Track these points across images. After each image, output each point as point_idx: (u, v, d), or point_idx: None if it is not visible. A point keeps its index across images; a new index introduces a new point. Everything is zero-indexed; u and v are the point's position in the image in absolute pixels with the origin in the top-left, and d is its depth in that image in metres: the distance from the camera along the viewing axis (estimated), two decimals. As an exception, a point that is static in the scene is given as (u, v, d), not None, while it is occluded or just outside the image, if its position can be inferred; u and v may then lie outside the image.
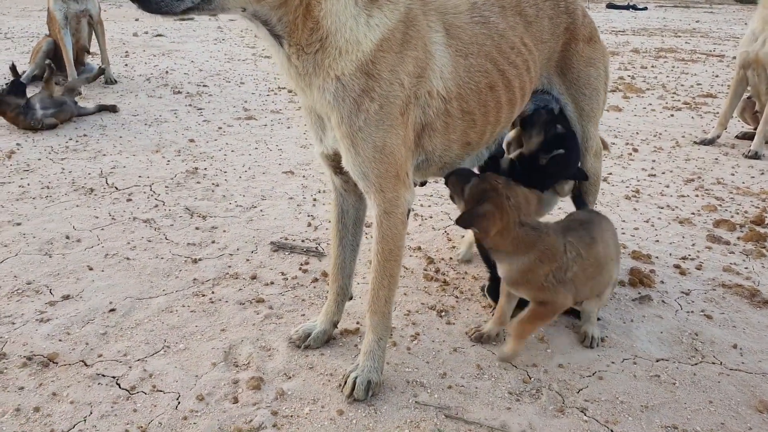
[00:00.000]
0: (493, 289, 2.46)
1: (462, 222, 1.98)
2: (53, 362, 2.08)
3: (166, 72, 7.43)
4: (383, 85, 1.74)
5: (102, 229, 3.13)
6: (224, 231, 3.18)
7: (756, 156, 4.82)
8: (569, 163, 2.37)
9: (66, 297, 2.48)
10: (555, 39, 2.28)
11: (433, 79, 1.86)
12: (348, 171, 1.87)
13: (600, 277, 2.18)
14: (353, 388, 1.94)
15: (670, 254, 3.12)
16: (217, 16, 1.73)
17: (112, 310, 2.41)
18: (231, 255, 2.92)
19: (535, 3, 2.22)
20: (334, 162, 1.97)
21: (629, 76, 8.38)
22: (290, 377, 2.06)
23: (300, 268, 2.81)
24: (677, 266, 2.97)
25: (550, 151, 2.31)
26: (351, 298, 2.36)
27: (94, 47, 6.90)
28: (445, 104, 1.91)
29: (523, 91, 2.16)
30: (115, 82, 6.63)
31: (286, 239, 3.10)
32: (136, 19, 11.85)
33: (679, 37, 13.57)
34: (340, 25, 1.67)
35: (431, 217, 3.50)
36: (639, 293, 2.70)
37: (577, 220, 2.25)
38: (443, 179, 2.18)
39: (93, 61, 6.91)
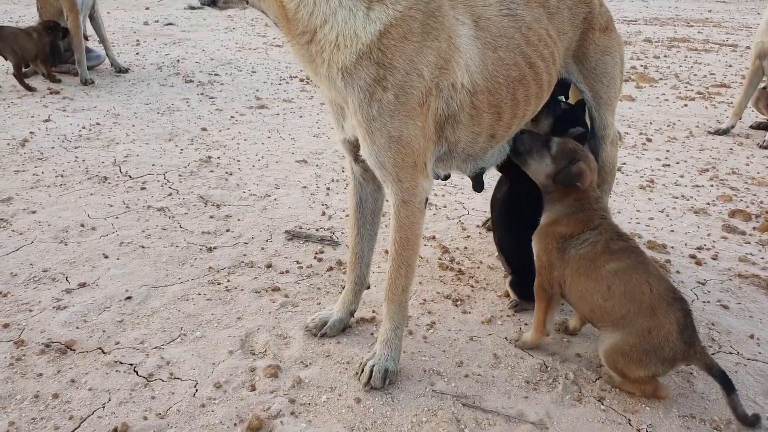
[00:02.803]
0: (517, 284, 2.45)
1: (562, 180, 2.09)
2: (71, 349, 2.10)
3: (178, 61, 7.41)
4: (397, 75, 1.72)
5: (116, 218, 3.14)
6: (238, 220, 3.19)
7: (772, 146, 4.77)
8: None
9: (82, 285, 2.50)
10: (574, 29, 2.26)
11: (458, 72, 1.84)
12: (365, 159, 1.87)
13: (588, 285, 1.99)
14: (370, 377, 1.95)
15: (686, 244, 3.10)
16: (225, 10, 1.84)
17: (129, 297, 2.42)
18: (246, 244, 2.93)
19: None
20: (355, 149, 1.96)
21: (642, 65, 8.29)
22: (307, 365, 2.07)
23: (315, 257, 2.81)
24: (693, 256, 2.96)
25: (565, 130, 2.30)
26: (368, 287, 2.36)
27: (92, 36, 6.88)
28: (470, 97, 1.90)
29: (550, 83, 2.15)
30: (127, 70, 6.61)
31: (301, 228, 3.10)
32: (147, 8, 11.83)
33: (692, 26, 13.38)
34: (327, 16, 1.66)
35: (445, 207, 3.49)
36: (654, 283, 2.68)
37: (630, 247, 2.03)
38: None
39: (98, 48, 6.88)
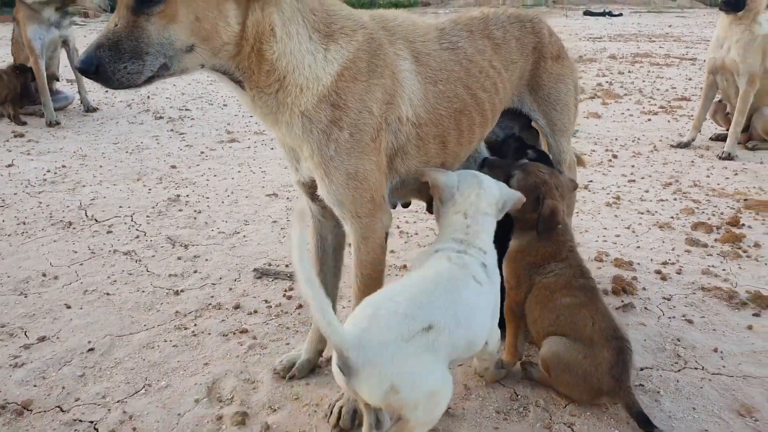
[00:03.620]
0: None
1: (542, 232, 2.09)
2: (27, 410, 2.02)
3: (148, 97, 7.41)
4: (351, 114, 1.75)
5: (81, 264, 3.09)
6: (207, 260, 3.15)
7: (729, 157, 4.90)
8: None
9: (42, 339, 2.43)
10: (524, 59, 2.31)
11: (402, 106, 1.88)
12: (323, 198, 1.88)
13: (541, 313, 2.07)
14: (339, 418, 1.93)
15: (651, 260, 3.15)
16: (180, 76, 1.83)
17: (91, 349, 2.37)
18: (214, 284, 2.90)
19: (502, 26, 2.25)
20: (311, 189, 1.98)
21: (607, 82, 8.49)
22: (275, 410, 2.04)
23: (284, 295, 2.79)
24: (658, 272, 3.00)
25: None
26: (334, 324, 2.34)
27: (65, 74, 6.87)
28: (416, 129, 1.93)
29: (494, 112, 2.19)
30: (96, 109, 6.59)
31: (270, 265, 3.08)
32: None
33: (654, 42, 13.79)
34: (297, 63, 1.70)
35: (416, 234, 3.50)
36: (622, 301, 2.72)
37: (587, 286, 2.10)
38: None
39: (66, 88, 6.85)
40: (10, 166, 4.63)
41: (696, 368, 2.25)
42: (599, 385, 1.93)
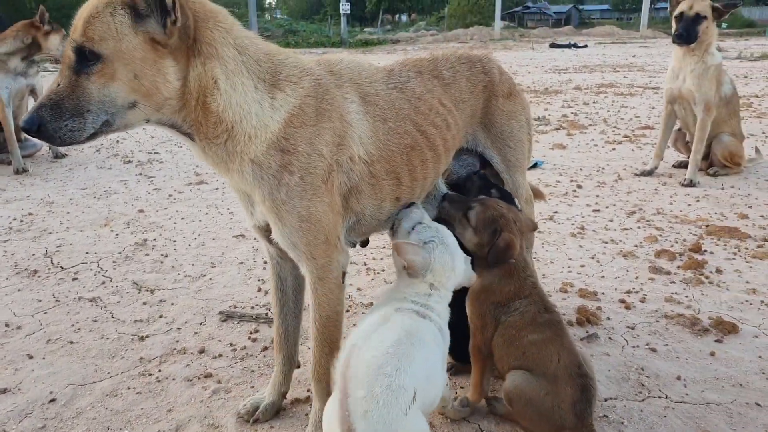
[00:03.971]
0: (451, 348, 2.45)
1: (493, 263, 2.12)
2: (-14, 465, 1.98)
3: (117, 141, 7.41)
4: (301, 158, 1.79)
5: (45, 313, 3.04)
6: (172, 304, 3.13)
7: (691, 184, 5.05)
8: None
9: (3, 391, 2.38)
10: (475, 97, 2.38)
11: (353, 145, 1.93)
12: (278, 242, 1.90)
13: (508, 351, 2.08)
14: (302, 462, 1.91)
15: (616, 289, 3.20)
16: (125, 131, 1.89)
17: (53, 400, 2.32)
18: (179, 329, 2.87)
19: (452, 66, 2.33)
20: (267, 233, 2.00)
21: (572, 113, 8.74)
22: (238, 456, 2.01)
23: (249, 337, 2.77)
24: (622, 301, 3.05)
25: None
26: (299, 366, 2.33)
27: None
28: (368, 167, 1.98)
29: (447, 147, 2.25)
30: (64, 155, 6.56)
31: (235, 307, 3.07)
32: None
33: (618, 71, 14.28)
34: (244, 113, 1.74)
35: (383, 270, 3.52)
36: (587, 332, 2.75)
37: (553, 321, 2.09)
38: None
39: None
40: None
41: (660, 397, 2.28)
42: (561, 422, 1.93)
